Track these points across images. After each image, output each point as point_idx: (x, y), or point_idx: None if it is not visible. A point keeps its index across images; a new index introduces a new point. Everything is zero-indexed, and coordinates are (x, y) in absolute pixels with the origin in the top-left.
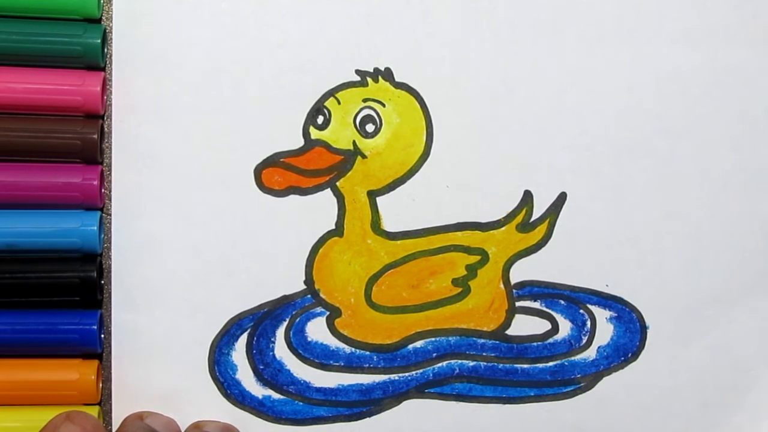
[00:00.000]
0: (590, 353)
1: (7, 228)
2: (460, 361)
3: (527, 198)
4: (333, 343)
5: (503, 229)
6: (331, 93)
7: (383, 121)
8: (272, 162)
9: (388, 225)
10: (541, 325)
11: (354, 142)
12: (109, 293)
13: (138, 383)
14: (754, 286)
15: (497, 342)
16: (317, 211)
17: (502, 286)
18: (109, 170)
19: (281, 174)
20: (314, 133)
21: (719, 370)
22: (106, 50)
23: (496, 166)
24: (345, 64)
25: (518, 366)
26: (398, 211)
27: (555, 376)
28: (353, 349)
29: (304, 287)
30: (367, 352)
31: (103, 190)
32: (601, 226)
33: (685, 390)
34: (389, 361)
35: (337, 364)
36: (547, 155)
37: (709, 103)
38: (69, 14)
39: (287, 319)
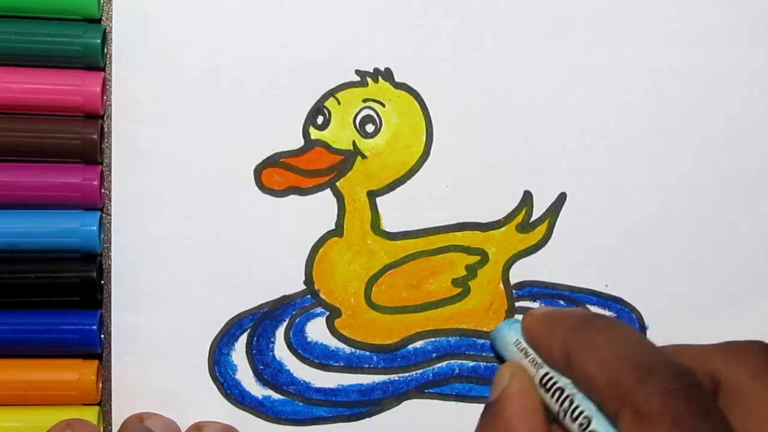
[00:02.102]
0: None
1: (7, 228)
2: (459, 362)
3: (527, 198)
4: (333, 343)
5: (503, 229)
6: (331, 93)
7: (383, 122)
8: (272, 162)
9: (388, 225)
10: None
11: (354, 142)
12: (109, 293)
13: (138, 383)
14: (754, 286)
15: None
16: (317, 211)
17: (501, 286)
18: (109, 170)
19: (281, 174)
20: (314, 133)
21: None
22: (106, 50)
23: (496, 166)
24: (345, 64)
25: None
26: (398, 211)
27: None
28: (353, 350)
29: (304, 287)
30: (367, 353)
31: (103, 190)
32: (601, 226)
33: None
34: (389, 362)
35: (337, 364)
36: (547, 155)
37: (709, 103)
38: (69, 14)
39: (287, 320)
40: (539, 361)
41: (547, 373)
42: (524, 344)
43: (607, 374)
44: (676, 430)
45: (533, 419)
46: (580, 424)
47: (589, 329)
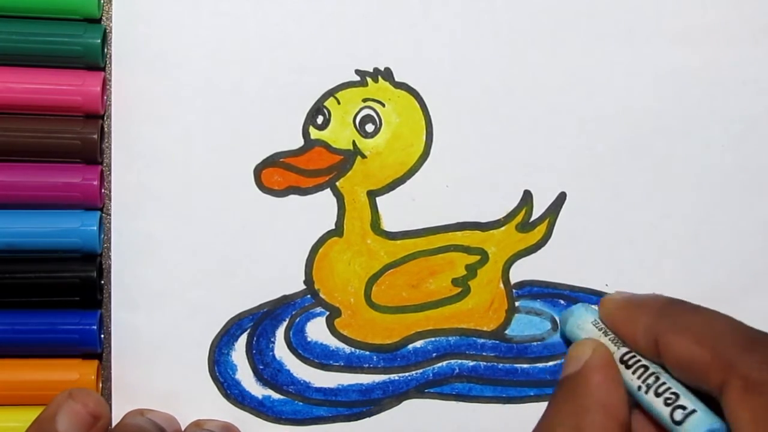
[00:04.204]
0: None
1: (7, 228)
2: (459, 361)
3: (527, 198)
4: (333, 343)
5: (503, 229)
6: (331, 93)
7: (383, 121)
8: (272, 162)
9: (388, 225)
10: (541, 325)
11: (354, 142)
12: (109, 293)
13: (138, 383)
14: (754, 286)
15: (497, 342)
16: (317, 211)
17: (501, 285)
18: (109, 170)
19: (281, 174)
20: (314, 133)
21: None
22: (106, 50)
23: (496, 166)
24: (345, 64)
25: (518, 366)
26: (398, 211)
27: (555, 376)
28: (353, 349)
29: (304, 287)
30: (367, 352)
31: (103, 190)
32: (601, 226)
33: None
34: (389, 361)
35: (337, 364)
36: (547, 155)
37: (709, 103)
38: (69, 14)
39: (287, 319)
40: (619, 340)
41: (629, 351)
42: (603, 325)
43: (709, 349)
44: None
45: (619, 391)
46: (666, 399)
47: (678, 312)
